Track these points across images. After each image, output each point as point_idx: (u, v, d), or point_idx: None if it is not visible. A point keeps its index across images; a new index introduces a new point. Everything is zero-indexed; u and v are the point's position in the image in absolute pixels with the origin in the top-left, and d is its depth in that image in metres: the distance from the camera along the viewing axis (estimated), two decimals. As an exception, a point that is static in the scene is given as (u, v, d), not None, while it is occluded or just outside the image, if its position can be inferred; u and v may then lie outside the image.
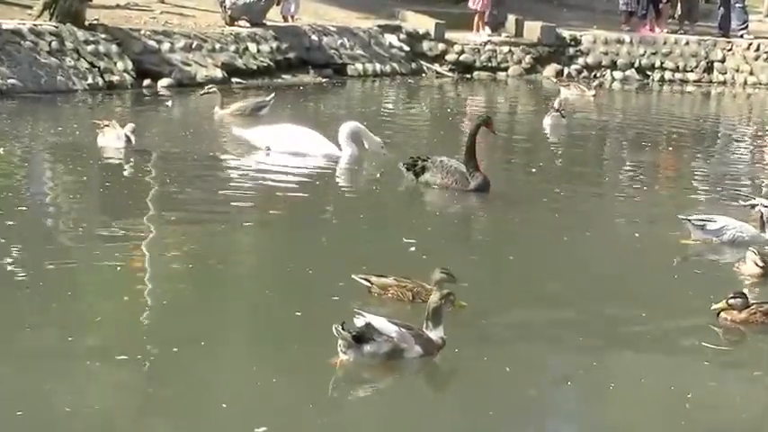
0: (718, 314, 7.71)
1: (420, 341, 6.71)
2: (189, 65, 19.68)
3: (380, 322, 6.67)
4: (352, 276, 7.75)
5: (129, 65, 18.77)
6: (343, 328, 6.55)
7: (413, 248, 9.08)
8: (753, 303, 7.77)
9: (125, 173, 11.82)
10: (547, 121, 17.08)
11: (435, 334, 6.76)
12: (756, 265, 8.67)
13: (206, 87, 16.56)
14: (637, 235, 10.28)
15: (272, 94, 16.75)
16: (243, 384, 6.37)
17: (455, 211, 11.24)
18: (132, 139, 12.68)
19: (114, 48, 18.82)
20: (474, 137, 11.78)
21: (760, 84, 25.90)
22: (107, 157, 12.42)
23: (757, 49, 26.31)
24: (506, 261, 9.20)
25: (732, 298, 7.72)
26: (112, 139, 12.75)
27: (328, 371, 6.57)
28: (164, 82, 19.03)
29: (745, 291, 8.00)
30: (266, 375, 6.46)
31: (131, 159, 12.29)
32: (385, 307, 7.54)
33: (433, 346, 6.75)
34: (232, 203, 10.55)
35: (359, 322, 6.63)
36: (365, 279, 7.77)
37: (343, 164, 12.97)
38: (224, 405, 6.08)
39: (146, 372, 6.44)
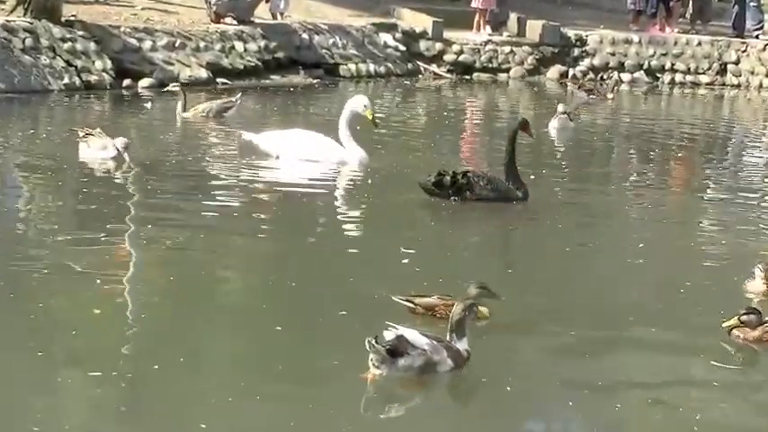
0: (730, 331, 7.69)
1: (451, 353, 6.80)
2: (172, 64, 19.67)
3: (413, 335, 6.74)
4: (393, 298, 7.70)
5: (108, 64, 18.77)
6: (376, 342, 6.61)
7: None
8: (767, 320, 7.75)
9: (103, 181, 11.77)
10: (553, 125, 17.07)
11: (461, 346, 6.87)
12: (764, 282, 8.61)
13: (170, 85, 16.36)
14: (641, 246, 10.28)
15: (239, 95, 16.67)
16: (224, 404, 6.34)
17: (469, 222, 11.19)
18: (126, 156, 12.17)
19: (92, 46, 18.82)
20: (514, 142, 11.78)
21: (776, 87, 25.94)
22: (88, 166, 12.28)
23: (774, 51, 26.34)
24: (530, 272, 9.25)
25: (745, 314, 7.70)
26: (98, 150, 12.37)
27: (319, 388, 6.57)
28: (145, 82, 19.02)
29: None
30: (250, 394, 6.44)
31: (111, 167, 12.18)
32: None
33: (462, 359, 6.84)
34: (219, 213, 10.54)
35: (389, 335, 6.68)
36: (408, 300, 7.73)
37: (351, 169, 12.96)
38: (203, 425, 6.05)
39: (122, 389, 6.41)
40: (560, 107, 17.47)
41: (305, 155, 13.15)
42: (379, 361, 6.63)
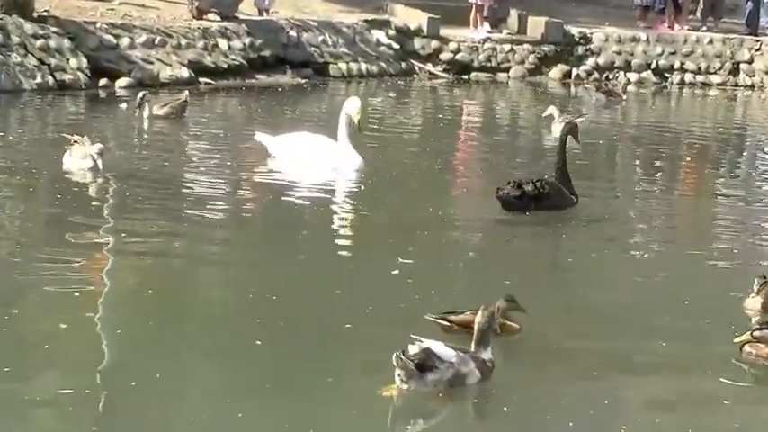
0: (742, 347, 7.69)
1: (478, 364, 6.89)
2: (151, 63, 19.68)
3: (439, 347, 6.81)
4: (427, 317, 7.70)
5: (84, 62, 18.76)
6: (403, 356, 6.66)
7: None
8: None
9: (78, 188, 11.72)
10: (557, 128, 17.16)
11: (485, 356, 6.96)
12: (758, 297, 8.51)
13: (139, 95, 16.21)
14: (647, 256, 10.30)
15: (186, 92, 16.57)
16: (204, 422, 6.34)
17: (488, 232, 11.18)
18: (99, 163, 12.09)
19: (67, 43, 18.82)
20: (565, 146, 12.05)
21: (792, 88, 25.99)
22: (65, 173, 12.21)
23: (789, 50, 26.39)
24: (533, 284, 9.26)
25: (758, 329, 7.70)
26: (79, 159, 12.23)
27: (301, 405, 6.56)
28: (122, 82, 19.02)
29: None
30: (232, 411, 6.43)
31: (89, 176, 12.10)
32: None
33: (488, 369, 6.93)
34: (199, 222, 10.52)
35: (414, 348, 6.74)
36: (442, 319, 7.73)
37: (346, 175, 12.97)
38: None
39: (96, 407, 6.40)
40: (554, 112, 17.52)
41: (302, 157, 13.19)
42: (408, 376, 6.68)
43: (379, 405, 6.66)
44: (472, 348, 6.96)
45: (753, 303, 8.54)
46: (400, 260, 9.46)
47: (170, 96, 16.10)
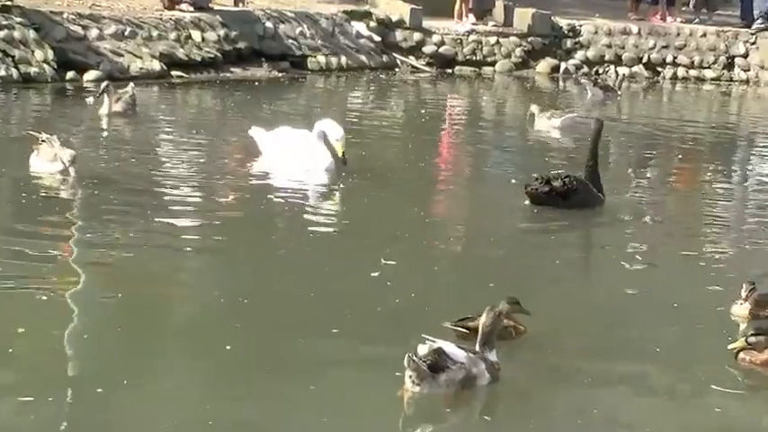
0: (737, 355, 7.69)
1: (487, 365, 6.96)
2: (120, 55, 19.64)
3: (450, 347, 6.88)
4: (445, 325, 7.69)
5: (50, 54, 18.70)
6: (415, 358, 6.71)
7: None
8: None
9: (46, 192, 11.59)
10: (552, 123, 17.24)
11: (492, 357, 7.03)
12: (746, 304, 8.47)
13: (101, 85, 16.08)
14: (639, 257, 10.31)
15: (131, 84, 16.46)
16: (171, 430, 6.32)
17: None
18: (72, 170, 11.71)
19: (32, 34, 18.74)
20: (597, 143, 12.26)
21: (788, 83, 26.07)
22: (28, 174, 11.97)
23: (786, 43, 26.46)
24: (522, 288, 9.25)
25: (753, 335, 7.70)
26: (46, 162, 11.88)
27: (273, 411, 6.55)
28: (90, 75, 18.96)
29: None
30: (201, 419, 6.40)
31: (56, 180, 11.94)
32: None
33: (496, 371, 7.00)
34: (169, 223, 10.46)
35: (424, 348, 6.80)
36: (461, 326, 7.72)
37: (318, 175, 12.92)
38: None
39: (59, 416, 6.35)
40: (535, 109, 17.62)
41: (288, 154, 13.10)
42: (420, 378, 6.71)
43: (356, 410, 6.64)
44: (476, 350, 7.03)
45: (740, 310, 8.47)
46: (383, 262, 9.44)
47: (119, 92, 15.99)
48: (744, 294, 8.44)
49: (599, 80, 23.33)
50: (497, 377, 7.00)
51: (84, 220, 10.47)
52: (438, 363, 6.76)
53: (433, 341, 6.85)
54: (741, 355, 7.69)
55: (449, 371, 6.78)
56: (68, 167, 11.74)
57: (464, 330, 7.69)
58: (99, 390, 6.65)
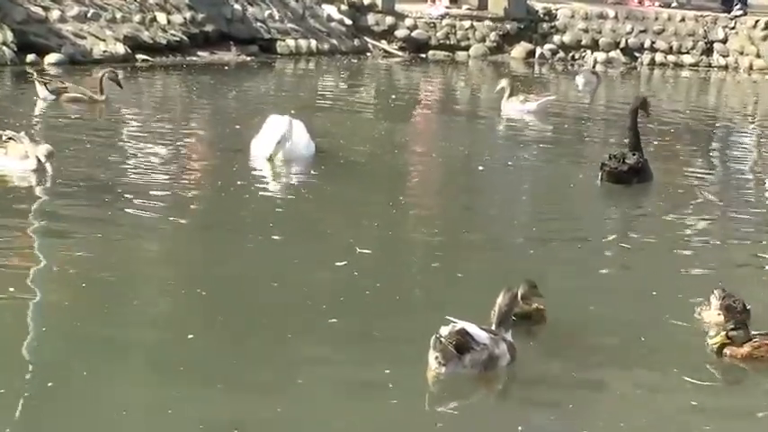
0: (720, 350, 7.57)
1: (507, 346, 7.10)
2: (83, 38, 19.47)
3: (474, 328, 7.00)
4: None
5: (9, 36, 18.52)
6: (442, 338, 6.81)
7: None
8: (756, 335, 7.65)
9: (12, 190, 11.37)
10: (530, 107, 17.57)
11: (509, 337, 7.18)
12: (719, 312, 8.34)
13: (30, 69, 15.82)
14: (618, 248, 10.23)
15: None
16: (130, 420, 6.26)
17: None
18: (49, 167, 11.27)
19: (-9, 16, 18.55)
20: (636, 120, 13.03)
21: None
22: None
23: (765, 28, 26.52)
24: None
25: (732, 329, 7.60)
26: (17, 160, 11.44)
27: (235, 400, 6.51)
28: (52, 58, 18.81)
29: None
30: (160, 410, 6.36)
31: (33, 178, 11.61)
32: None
33: (514, 351, 7.13)
34: (133, 214, 10.34)
35: (446, 329, 6.92)
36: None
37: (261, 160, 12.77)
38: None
39: (16, 411, 6.26)
40: (506, 86, 17.71)
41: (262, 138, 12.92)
42: (446, 359, 6.82)
43: (318, 400, 6.61)
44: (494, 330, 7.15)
45: (712, 316, 8.31)
46: (358, 250, 9.38)
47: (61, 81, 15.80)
48: (715, 302, 8.28)
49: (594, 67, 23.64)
50: (515, 357, 7.12)
51: (46, 211, 10.33)
52: (463, 344, 6.87)
53: (456, 322, 6.96)
54: (724, 350, 7.59)
55: (473, 352, 6.91)
56: (45, 164, 11.32)
57: None
58: (51, 383, 6.58)
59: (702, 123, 19.38)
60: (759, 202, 12.61)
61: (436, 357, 6.85)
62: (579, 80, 21.43)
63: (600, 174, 12.62)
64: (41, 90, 15.51)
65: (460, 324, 6.97)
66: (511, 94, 17.57)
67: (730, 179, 14.27)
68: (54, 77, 16.47)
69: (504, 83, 17.89)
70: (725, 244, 10.76)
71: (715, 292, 8.26)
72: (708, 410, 6.97)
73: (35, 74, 15.93)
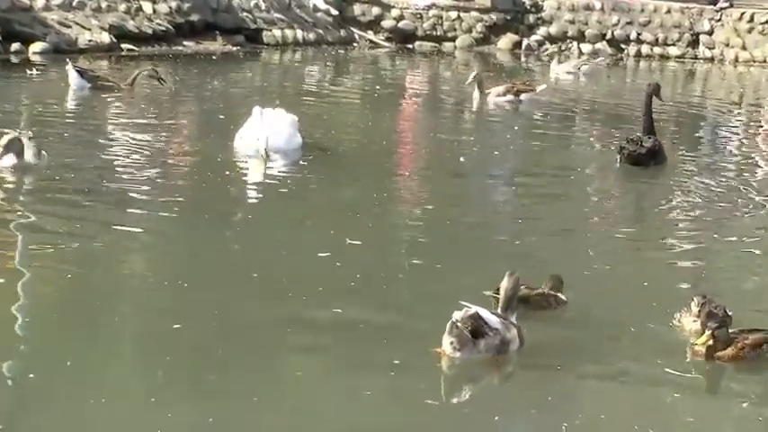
0: (707, 352, 7.52)
1: (518, 331, 7.15)
2: (68, 27, 19.39)
3: (486, 313, 7.04)
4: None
5: (-6, 25, 18.41)
6: (459, 324, 6.85)
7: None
8: (735, 334, 7.60)
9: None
10: (585, 69, 19.87)
11: (514, 321, 7.21)
12: (695, 319, 8.26)
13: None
14: (601, 247, 10.21)
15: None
16: (119, 417, 6.23)
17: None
18: (34, 157, 11.20)
19: (-25, 4, 18.45)
20: (650, 107, 13.65)
21: (753, 60, 26.09)
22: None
23: (751, 20, 26.49)
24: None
25: (717, 328, 7.55)
26: (10, 157, 11.20)
27: (221, 396, 6.47)
28: (37, 47, 18.75)
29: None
30: (144, 400, 6.37)
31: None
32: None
33: (522, 335, 7.17)
34: (120, 207, 10.32)
35: (459, 314, 6.93)
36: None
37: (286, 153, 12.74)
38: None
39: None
40: (473, 75, 18.07)
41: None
42: (462, 344, 6.86)
43: (313, 396, 6.59)
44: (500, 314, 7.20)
45: (690, 324, 8.23)
46: (348, 241, 9.39)
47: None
48: (695, 309, 8.21)
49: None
50: (524, 341, 7.16)
51: (30, 203, 10.31)
52: (478, 328, 6.92)
53: (469, 307, 6.98)
54: (698, 348, 7.54)
55: (487, 337, 6.96)
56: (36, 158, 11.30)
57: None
58: (31, 375, 6.58)
59: (688, 114, 19.38)
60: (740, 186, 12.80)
61: (451, 342, 6.87)
62: (585, 70, 21.80)
63: (618, 156, 13.29)
64: (76, 79, 15.38)
65: (474, 308, 6.98)
66: (480, 86, 17.62)
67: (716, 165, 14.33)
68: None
69: (474, 75, 18.02)
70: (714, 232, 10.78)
71: (695, 299, 8.16)
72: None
73: (70, 62, 15.76)
